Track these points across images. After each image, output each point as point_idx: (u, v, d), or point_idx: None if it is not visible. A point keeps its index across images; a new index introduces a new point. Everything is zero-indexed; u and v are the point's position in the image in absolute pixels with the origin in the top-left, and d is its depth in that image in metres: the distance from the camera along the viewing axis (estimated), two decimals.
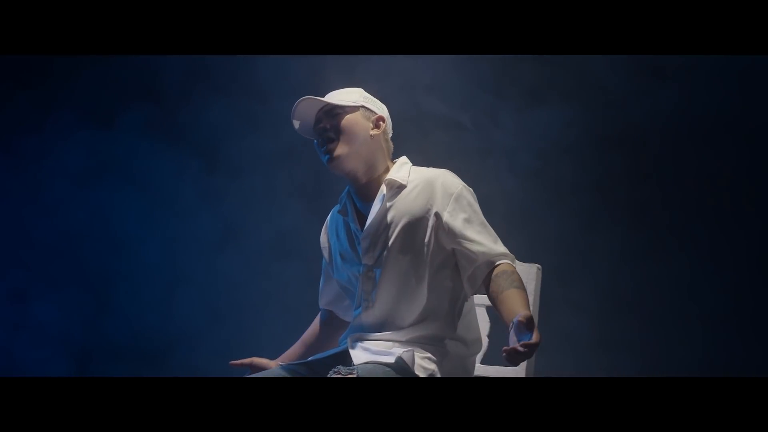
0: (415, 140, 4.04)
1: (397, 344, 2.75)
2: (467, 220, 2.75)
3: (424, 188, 2.79)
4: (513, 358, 2.42)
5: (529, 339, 2.42)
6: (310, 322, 3.12)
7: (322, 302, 3.08)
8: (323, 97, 2.88)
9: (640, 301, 4.07)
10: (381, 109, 2.91)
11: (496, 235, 2.79)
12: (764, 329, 3.94)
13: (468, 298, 2.85)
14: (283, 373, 2.76)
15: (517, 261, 3.02)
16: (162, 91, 4.62)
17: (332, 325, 3.06)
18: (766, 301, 3.96)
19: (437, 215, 2.76)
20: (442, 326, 2.78)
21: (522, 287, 2.68)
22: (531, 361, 2.97)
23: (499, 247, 2.76)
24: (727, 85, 4.01)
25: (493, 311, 3.05)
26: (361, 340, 2.81)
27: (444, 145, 4.29)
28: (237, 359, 2.98)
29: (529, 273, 3.05)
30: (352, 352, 2.81)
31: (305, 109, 2.85)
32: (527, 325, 2.43)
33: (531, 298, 2.99)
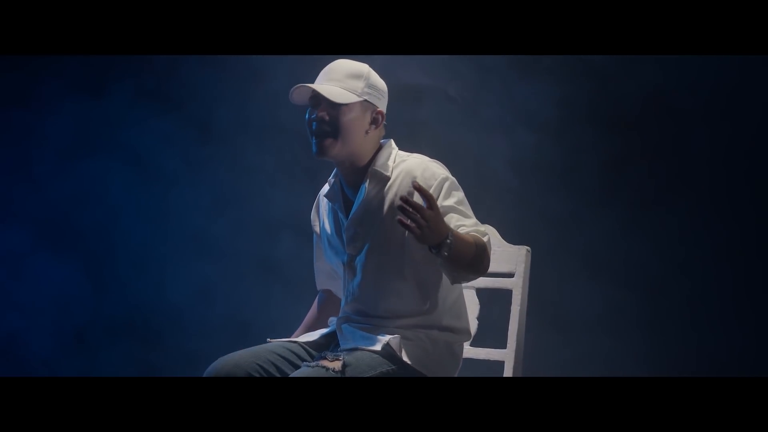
0: (405, 117, 4.00)
1: (384, 330, 2.74)
2: (446, 214, 2.66)
3: (403, 181, 2.74)
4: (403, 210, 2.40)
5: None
6: (305, 296, 3.11)
7: (319, 283, 3.05)
8: (328, 65, 2.79)
9: (635, 283, 4.03)
10: (382, 98, 2.80)
11: (477, 221, 2.71)
12: (762, 323, 3.91)
13: (455, 287, 2.81)
14: (270, 369, 2.72)
15: (505, 243, 3.01)
16: (152, 60, 4.56)
17: (332, 302, 3.03)
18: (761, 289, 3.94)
19: None
20: (430, 318, 2.76)
21: (474, 239, 2.60)
22: (521, 342, 2.94)
23: (479, 229, 2.67)
24: (724, 62, 3.94)
25: (483, 293, 3.05)
26: (350, 323, 2.81)
27: (432, 122, 4.25)
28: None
29: (519, 255, 3.00)
30: (340, 337, 2.81)
31: (303, 88, 2.75)
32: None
33: (520, 281, 2.97)
